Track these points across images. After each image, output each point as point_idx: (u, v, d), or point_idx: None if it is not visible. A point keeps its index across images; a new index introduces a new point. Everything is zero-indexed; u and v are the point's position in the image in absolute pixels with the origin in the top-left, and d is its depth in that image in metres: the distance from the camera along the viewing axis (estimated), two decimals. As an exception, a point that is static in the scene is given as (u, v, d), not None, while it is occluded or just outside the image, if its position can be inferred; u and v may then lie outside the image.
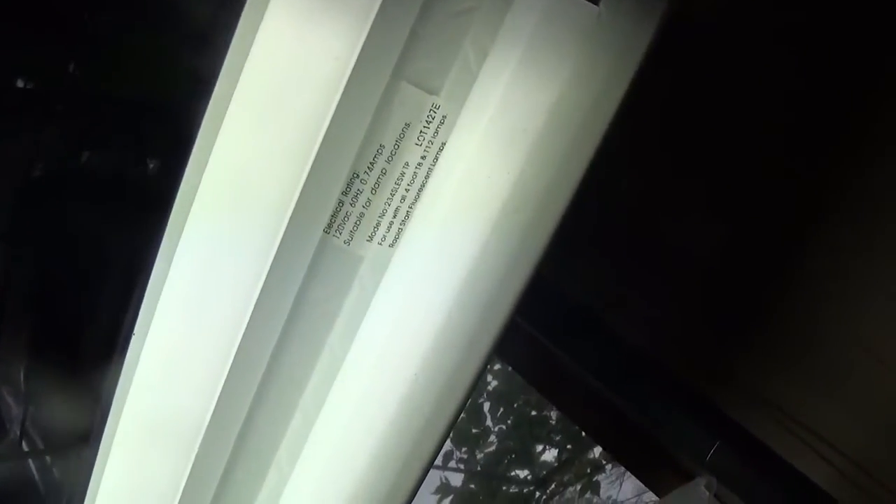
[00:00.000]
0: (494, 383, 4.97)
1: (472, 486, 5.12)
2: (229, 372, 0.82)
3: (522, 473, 5.28)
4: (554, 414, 5.00)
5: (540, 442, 5.15)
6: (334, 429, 0.87)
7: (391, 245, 0.82)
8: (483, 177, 0.81)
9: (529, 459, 5.18)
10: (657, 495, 1.45)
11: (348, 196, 0.81)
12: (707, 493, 1.17)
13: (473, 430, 5.02)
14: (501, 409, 5.03)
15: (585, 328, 1.29)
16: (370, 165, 0.80)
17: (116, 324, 0.94)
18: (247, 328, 0.81)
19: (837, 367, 1.18)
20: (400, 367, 0.83)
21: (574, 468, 5.27)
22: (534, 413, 4.96)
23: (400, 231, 0.82)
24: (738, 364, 1.20)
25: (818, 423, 1.18)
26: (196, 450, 0.85)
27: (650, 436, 1.35)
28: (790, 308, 1.20)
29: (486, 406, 5.01)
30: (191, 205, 0.79)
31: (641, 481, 1.61)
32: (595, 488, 5.50)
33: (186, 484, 0.88)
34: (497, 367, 4.85)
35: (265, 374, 0.85)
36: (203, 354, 0.83)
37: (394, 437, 0.84)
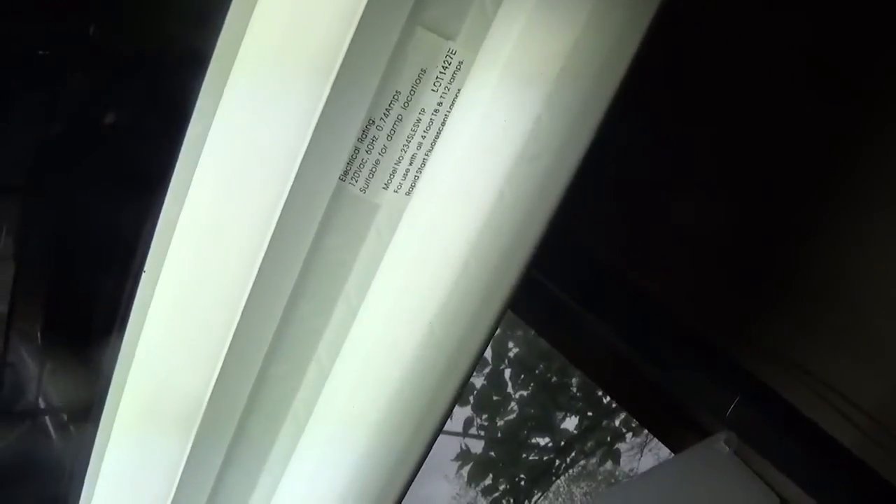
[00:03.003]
0: (515, 350, 4.96)
1: (493, 453, 5.12)
2: (242, 321, 0.82)
3: (543, 441, 5.28)
4: (575, 381, 4.99)
5: (561, 409, 5.14)
6: (349, 379, 0.86)
7: (407, 193, 0.82)
8: (500, 122, 0.80)
9: (550, 427, 5.18)
10: (674, 452, 1.45)
11: (364, 143, 0.80)
12: (726, 448, 1.16)
13: (494, 397, 5.02)
14: (522, 376, 5.02)
15: (607, 287, 1.29)
16: (386, 112, 0.80)
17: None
18: (260, 275, 0.81)
19: (858, 325, 1.17)
20: (415, 317, 0.82)
21: (594, 436, 5.27)
22: (554, 380, 4.95)
23: (416, 179, 0.82)
24: (759, 321, 1.19)
25: (838, 380, 1.18)
26: (206, 402, 0.85)
27: (670, 394, 1.35)
28: (812, 266, 1.19)
29: (507, 373, 5.01)
30: (199, 153, 0.79)
31: (661, 440, 1.61)
32: (615, 457, 5.50)
33: (197, 434, 0.88)
34: (519, 333, 4.85)
35: (280, 324, 0.85)
36: (215, 303, 0.83)
37: (409, 387, 0.84)
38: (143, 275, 0.83)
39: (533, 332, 4.53)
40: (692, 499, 1.12)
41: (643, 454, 5.44)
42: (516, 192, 0.81)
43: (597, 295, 1.30)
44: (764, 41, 1.13)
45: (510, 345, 4.98)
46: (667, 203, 1.21)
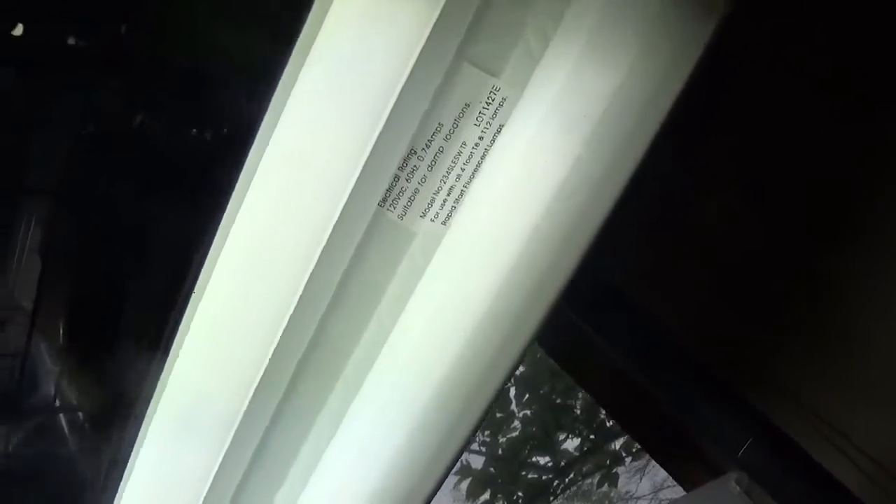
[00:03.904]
0: (522, 369, 4.97)
1: (493, 469, 5.13)
2: (282, 333, 0.83)
3: (543, 460, 5.28)
4: (579, 403, 5.00)
5: (563, 430, 5.15)
6: (374, 403, 0.88)
7: (444, 223, 0.84)
8: (539, 161, 0.82)
9: (551, 447, 5.19)
10: (683, 488, 1.46)
11: (404, 171, 0.82)
12: (737, 488, 1.18)
13: (498, 414, 5.03)
14: (527, 395, 5.03)
15: (621, 312, 1.29)
16: (428, 143, 0.81)
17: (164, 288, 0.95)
18: (301, 294, 0.82)
19: (872, 373, 1.18)
20: (444, 345, 0.84)
21: (594, 459, 5.27)
22: (559, 401, 4.96)
23: (453, 209, 0.83)
24: (775, 363, 1.20)
25: (850, 427, 1.19)
26: (243, 411, 0.87)
27: (681, 428, 1.35)
28: (830, 310, 1.20)
29: (512, 391, 5.02)
30: (253, 176, 0.80)
31: (669, 472, 1.62)
32: (613, 480, 5.50)
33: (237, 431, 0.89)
34: (526, 352, 4.84)
35: (311, 340, 0.86)
36: (254, 323, 0.84)
37: (433, 412, 0.85)
38: (193, 278, 0.84)
39: (542, 352, 4.54)
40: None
41: (642, 478, 5.44)
42: (551, 227, 0.83)
43: (611, 322, 1.31)
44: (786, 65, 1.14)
45: (516, 363, 4.97)
46: (685, 235, 1.21)
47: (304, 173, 0.80)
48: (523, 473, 5.24)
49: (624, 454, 5.30)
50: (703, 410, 1.22)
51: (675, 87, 0.81)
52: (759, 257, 1.17)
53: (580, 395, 4.94)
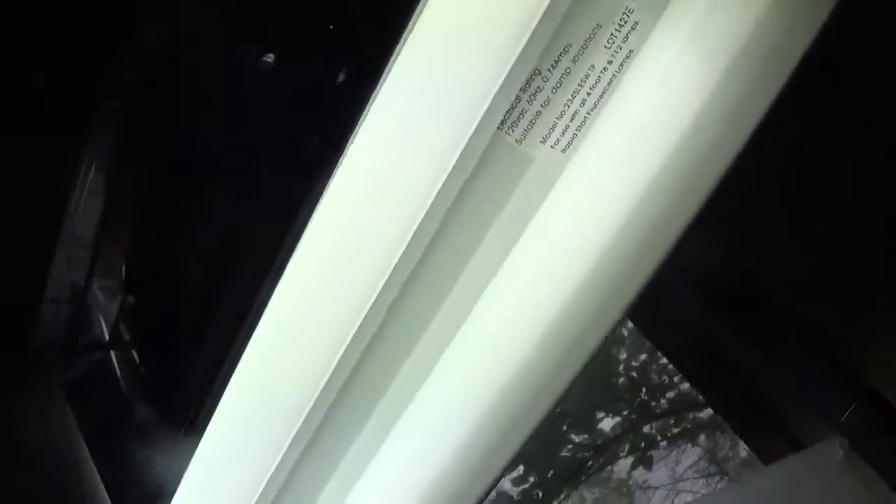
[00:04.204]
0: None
1: (527, 446, 5.09)
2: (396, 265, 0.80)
3: (579, 438, 5.26)
4: (621, 381, 4.96)
5: (602, 409, 5.12)
6: (480, 336, 0.84)
7: (563, 150, 0.79)
8: (670, 91, 0.77)
9: (589, 424, 5.16)
10: (761, 461, 1.42)
11: (526, 93, 0.78)
12: (841, 451, 1.14)
13: (536, 389, 5.00)
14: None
15: (714, 269, 1.23)
16: (554, 63, 0.77)
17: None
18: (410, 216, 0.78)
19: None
20: (560, 279, 0.79)
21: (630, 440, 5.24)
22: (602, 378, 4.92)
23: (574, 136, 0.79)
24: (880, 325, 1.15)
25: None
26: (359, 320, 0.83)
27: (766, 396, 1.31)
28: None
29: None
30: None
31: (747, 443, 1.58)
32: (648, 463, 5.47)
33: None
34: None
35: (414, 269, 0.82)
36: (369, 247, 0.80)
37: (541, 349, 0.81)
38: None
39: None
40: (807, 500, 1.09)
41: (680, 459, 5.41)
42: (680, 163, 0.78)
43: (698, 275, 1.25)
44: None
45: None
46: (790, 180, 1.15)
47: (428, 100, 0.75)
48: (559, 451, 5.22)
49: (659, 438, 5.26)
50: (800, 375, 1.18)
51: (813, 29, 0.76)
52: (870, 222, 1.11)
53: (622, 370, 4.91)
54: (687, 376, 1.73)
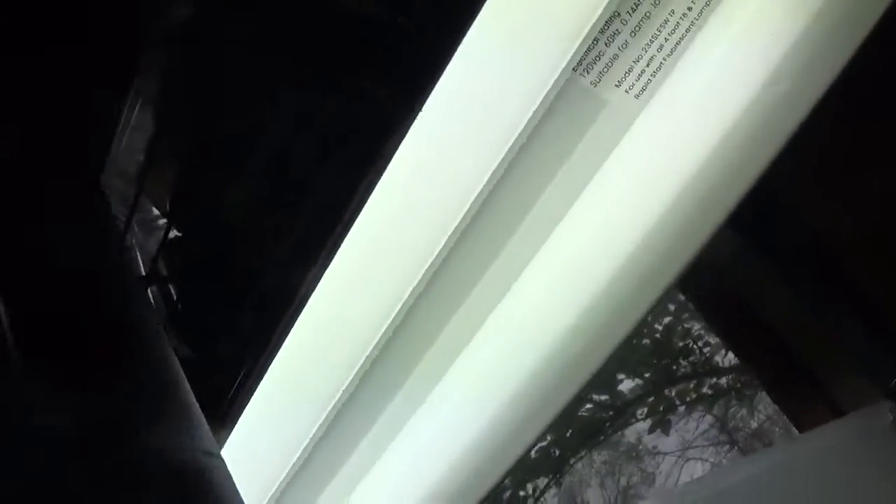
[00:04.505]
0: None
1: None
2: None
3: (600, 397, 5.26)
4: (644, 343, 4.95)
5: (624, 370, 5.11)
6: (545, 276, 0.84)
7: (637, 96, 0.79)
8: (752, 42, 0.76)
9: (610, 385, 5.16)
10: (797, 428, 1.41)
11: (605, 35, 0.77)
12: (890, 416, 1.13)
13: (559, 347, 4.99)
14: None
15: (763, 217, 1.20)
16: (634, 6, 0.76)
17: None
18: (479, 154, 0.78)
19: None
20: (632, 222, 0.79)
21: (649, 403, 5.23)
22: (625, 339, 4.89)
23: (649, 82, 0.78)
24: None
25: None
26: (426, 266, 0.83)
27: (809, 361, 1.30)
28: None
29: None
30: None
31: (783, 409, 1.57)
32: (665, 427, 5.46)
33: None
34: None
35: (483, 205, 0.82)
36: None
37: (612, 292, 0.81)
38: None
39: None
40: (854, 463, 1.08)
41: (699, 425, 5.41)
42: (753, 116, 0.78)
43: (751, 228, 1.22)
44: None
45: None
46: (849, 152, 1.13)
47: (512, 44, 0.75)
48: (579, 409, 5.22)
49: (678, 402, 5.26)
50: (848, 337, 1.17)
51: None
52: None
53: (645, 332, 4.89)
54: (725, 337, 1.71)
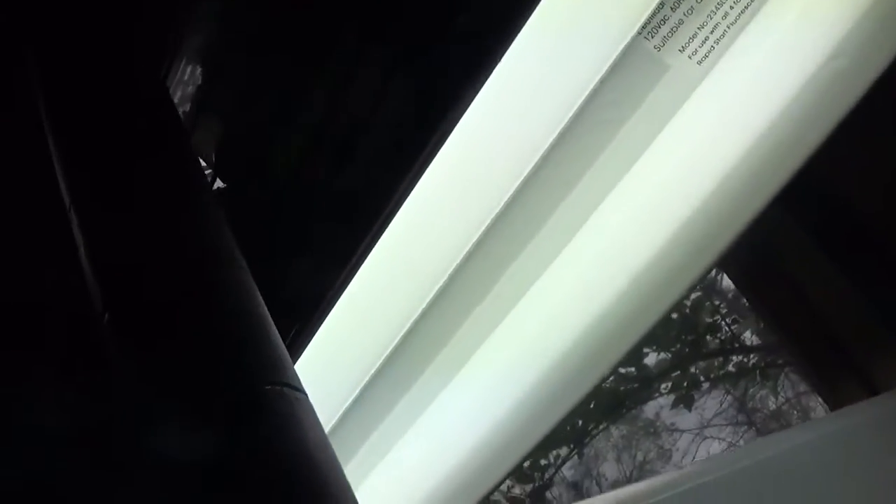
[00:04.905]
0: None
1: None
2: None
3: (625, 370, 5.25)
4: (675, 315, 4.94)
5: (650, 343, 5.10)
6: (597, 242, 0.84)
7: (700, 62, 0.79)
8: (816, 16, 0.76)
9: (637, 358, 5.14)
10: (828, 406, 1.40)
11: (671, 0, 0.77)
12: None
13: (587, 317, 4.97)
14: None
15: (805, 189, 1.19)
16: (702, -28, 0.76)
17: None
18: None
19: None
20: (688, 189, 0.80)
21: (674, 378, 5.23)
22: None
23: (712, 50, 0.78)
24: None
25: None
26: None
27: (846, 338, 1.29)
28: None
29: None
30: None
31: (814, 388, 1.56)
32: (688, 403, 5.45)
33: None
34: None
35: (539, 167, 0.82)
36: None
37: (661, 261, 0.82)
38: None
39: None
40: (887, 444, 1.08)
41: (721, 405, 5.40)
42: (813, 89, 0.78)
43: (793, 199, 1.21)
44: None
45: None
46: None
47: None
48: (602, 382, 5.22)
49: (702, 378, 5.25)
50: (889, 315, 1.16)
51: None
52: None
53: (677, 309, 4.88)
54: (758, 309, 1.69)
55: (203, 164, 1.44)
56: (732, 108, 0.77)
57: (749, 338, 4.87)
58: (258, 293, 0.68)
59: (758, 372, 5.00)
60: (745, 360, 5.26)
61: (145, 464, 0.56)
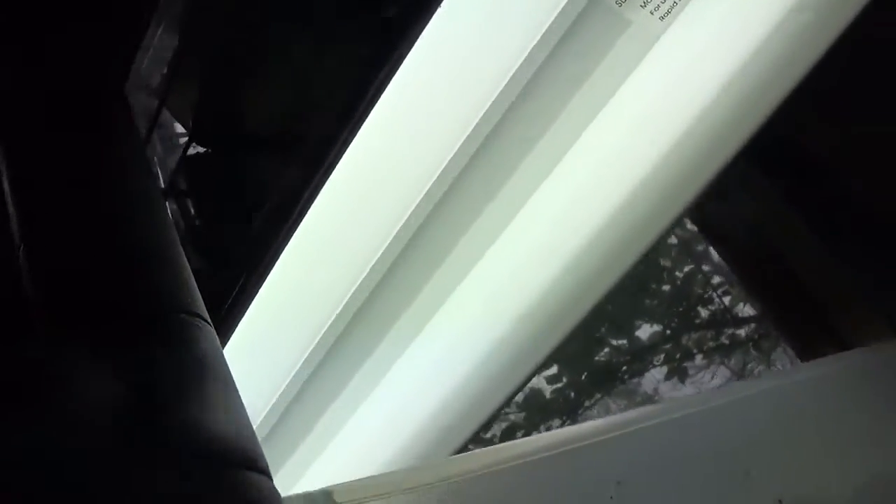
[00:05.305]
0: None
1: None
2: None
3: (617, 342, 5.25)
4: (664, 288, 4.94)
5: (643, 315, 5.10)
6: (561, 195, 0.84)
7: (662, 18, 0.78)
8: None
9: (628, 330, 5.14)
10: (801, 359, 1.40)
11: (630, -46, 0.76)
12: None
13: (579, 289, 4.95)
14: (611, 273, 4.91)
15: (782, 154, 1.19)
16: (663, -75, 0.76)
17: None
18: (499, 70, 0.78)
19: None
20: (652, 141, 0.79)
21: (667, 350, 5.22)
22: (644, 282, 4.88)
23: (674, 5, 0.78)
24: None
25: None
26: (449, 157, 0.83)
27: (821, 295, 1.29)
28: None
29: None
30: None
31: (791, 342, 1.56)
32: (682, 375, 5.45)
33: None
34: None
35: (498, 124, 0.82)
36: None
37: (618, 220, 0.81)
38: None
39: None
40: (854, 395, 1.08)
41: (714, 375, 5.41)
42: (778, 42, 0.77)
43: (772, 173, 1.21)
44: None
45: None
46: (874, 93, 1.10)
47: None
48: (595, 352, 5.21)
49: (695, 351, 5.24)
50: (862, 273, 1.16)
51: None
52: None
53: (665, 277, 4.88)
54: (734, 267, 1.68)
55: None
56: (695, 61, 0.77)
57: (741, 309, 4.88)
58: (173, 230, 0.69)
59: (751, 344, 5.00)
60: (738, 332, 5.26)
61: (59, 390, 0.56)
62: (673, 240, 4.84)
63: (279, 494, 0.58)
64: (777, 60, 0.74)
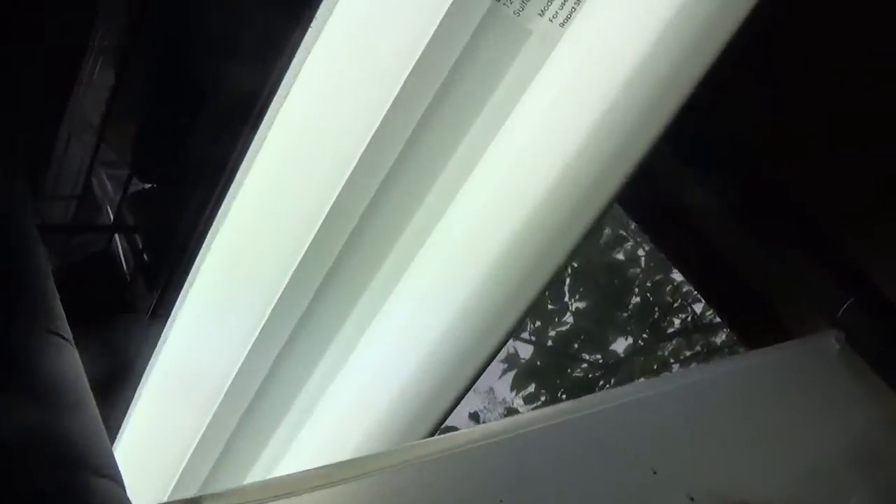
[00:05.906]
0: (576, 263, 4.86)
1: (539, 362, 5.07)
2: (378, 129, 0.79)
3: (592, 357, 5.25)
4: (637, 300, 4.95)
5: (615, 329, 5.10)
6: (473, 207, 0.84)
7: (562, 24, 0.78)
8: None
9: (602, 343, 5.14)
10: (747, 346, 1.41)
11: (524, -38, 0.76)
12: (837, 345, 1.13)
13: (550, 306, 4.96)
14: (582, 289, 4.93)
15: (715, 153, 1.19)
16: (553, -69, 0.76)
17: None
18: (405, 82, 0.78)
19: None
20: (557, 147, 0.79)
21: (642, 361, 5.23)
22: (614, 297, 4.88)
23: (573, 11, 0.78)
24: (883, 223, 1.12)
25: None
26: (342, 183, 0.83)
27: (763, 289, 1.29)
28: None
29: (567, 282, 4.92)
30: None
31: (738, 335, 1.57)
32: (659, 385, 5.45)
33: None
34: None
35: (407, 141, 0.82)
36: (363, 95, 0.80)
37: (542, 215, 0.81)
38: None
39: (601, 243, 4.47)
40: (793, 384, 1.08)
41: (689, 385, 5.40)
42: (675, 36, 0.77)
43: (706, 173, 1.22)
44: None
45: (572, 254, 4.89)
46: (802, 84, 1.11)
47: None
48: (570, 369, 5.21)
49: (672, 360, 5.25)
50: (798, 267, 1.17)
51: None
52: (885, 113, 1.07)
53: (636, 290, 4.89)
54: (678, 264, 1.68)
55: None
56: (597, 65, 0.77)
57: (713, 317, 4.89)
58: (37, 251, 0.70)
59: (727, 350, 5.02)
60: (714, 339, 5.27)
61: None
62: (641, 251, 4.86)
63: (129, 500, 0.59)
64: (682, 50, 0.73)
